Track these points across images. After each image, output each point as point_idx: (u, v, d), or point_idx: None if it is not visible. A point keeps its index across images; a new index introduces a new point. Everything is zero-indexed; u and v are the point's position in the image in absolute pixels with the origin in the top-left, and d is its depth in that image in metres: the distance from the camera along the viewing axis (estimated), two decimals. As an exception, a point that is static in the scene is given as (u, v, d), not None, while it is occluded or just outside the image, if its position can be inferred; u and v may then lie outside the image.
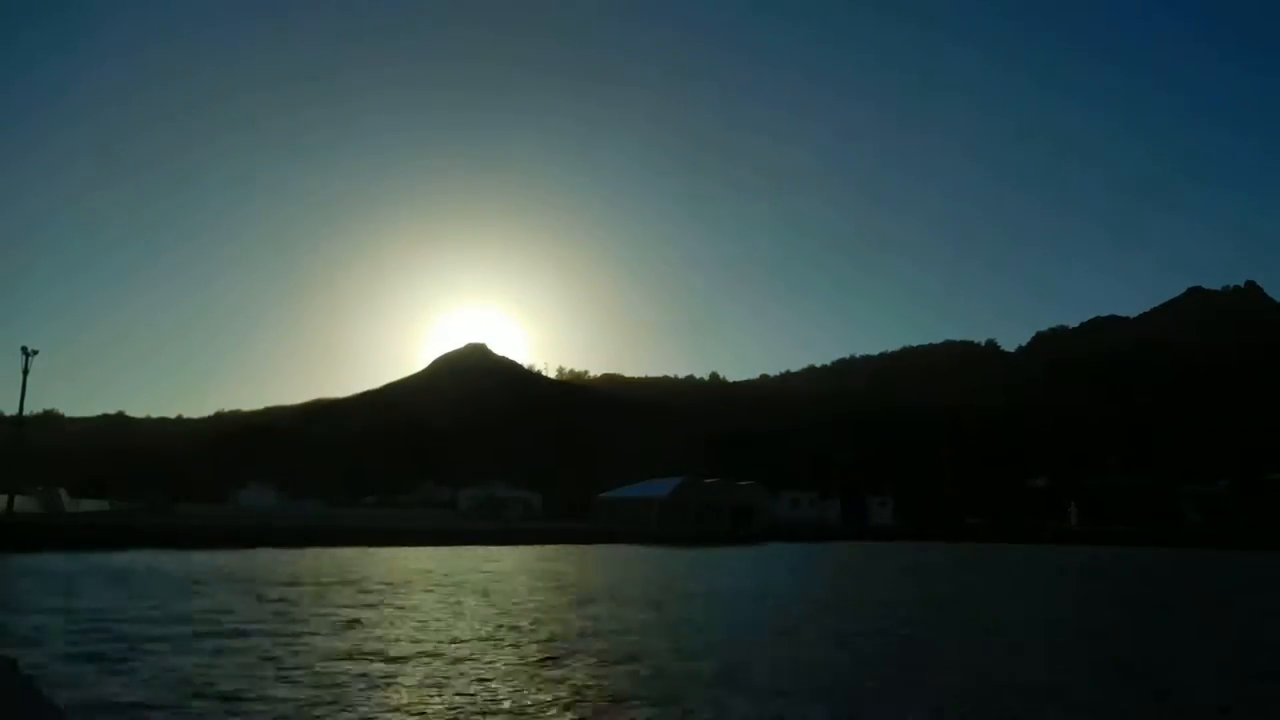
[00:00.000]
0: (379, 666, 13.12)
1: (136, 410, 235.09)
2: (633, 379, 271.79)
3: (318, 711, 10.24)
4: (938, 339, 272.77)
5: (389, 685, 11.82)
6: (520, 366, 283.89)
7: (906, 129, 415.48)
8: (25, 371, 55.04)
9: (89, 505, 73.26)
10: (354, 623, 17.94)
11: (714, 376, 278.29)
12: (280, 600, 21.78)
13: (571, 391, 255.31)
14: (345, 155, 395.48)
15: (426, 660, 13.89)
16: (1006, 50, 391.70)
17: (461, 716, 10.35)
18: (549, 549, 56.93)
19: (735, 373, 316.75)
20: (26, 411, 64.42)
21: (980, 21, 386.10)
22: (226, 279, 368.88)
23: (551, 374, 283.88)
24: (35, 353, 55.32)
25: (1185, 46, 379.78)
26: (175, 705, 10.40)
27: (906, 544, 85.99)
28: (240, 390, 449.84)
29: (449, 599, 23.35)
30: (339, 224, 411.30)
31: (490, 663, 13.92)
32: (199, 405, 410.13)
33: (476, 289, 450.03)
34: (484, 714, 10.50)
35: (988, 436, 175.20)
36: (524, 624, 18.56)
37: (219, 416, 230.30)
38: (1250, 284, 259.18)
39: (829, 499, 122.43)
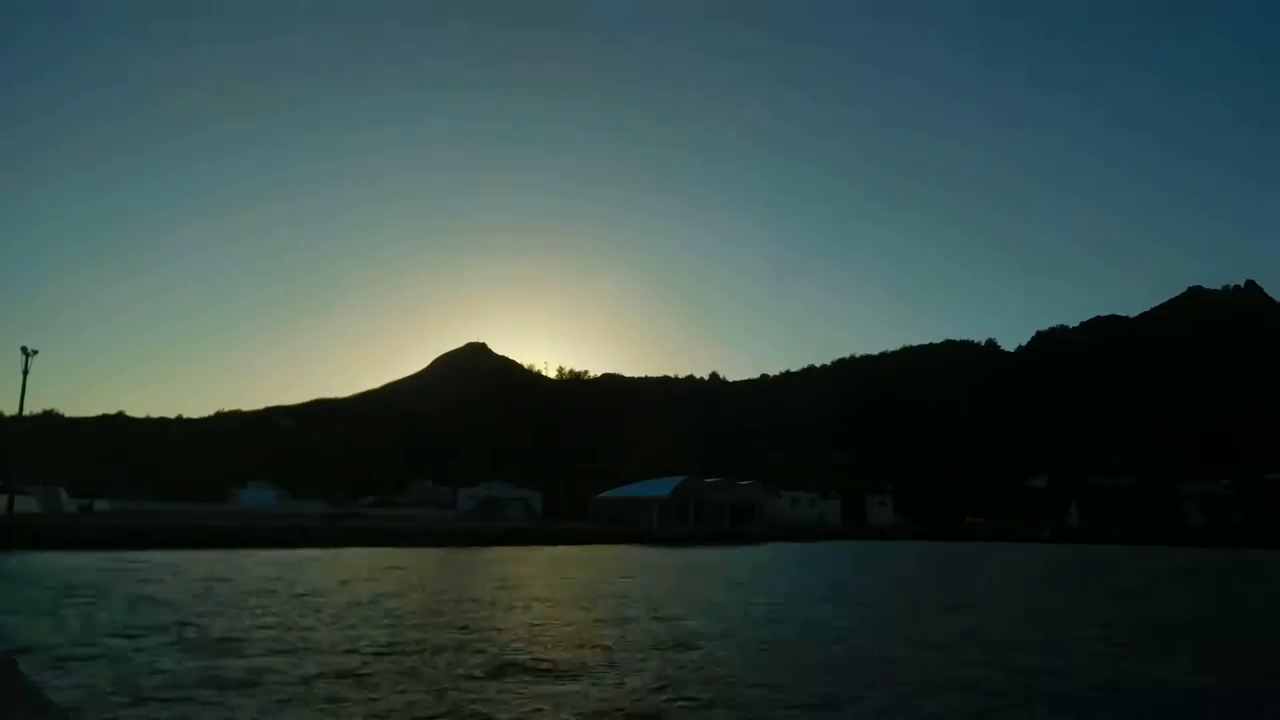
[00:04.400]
0: None
1: (136, 410, 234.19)
2: (633, 379, 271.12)
3: None
4: (938, 339, 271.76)
5: None
6: (520, 366, 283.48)
7: (905, 127, 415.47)
8: (25, 371, 55.05)
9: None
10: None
11: (714, 376, 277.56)
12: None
13: (571, 391, 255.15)
14: (345, 154, 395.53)
15: None
16: (1006, 46, 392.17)
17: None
18: (561, 549, 56.76)
19: (735, 373, 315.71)
20: (26, 411, 64.43)
21: (978, 17, 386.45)
22: (227, 279, 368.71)
23: (551, 374, 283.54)
24: (35, 353, 55.30)
25: (1185, 43, 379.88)
26: None
27: (938, 543, 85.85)
28: (240, 390, 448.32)
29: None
30: (339, 223, 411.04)
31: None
32: (199, 405, 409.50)
33: (476, 288, 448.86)
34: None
35: (988, 436, 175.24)
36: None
37: (219, 416, 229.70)
38: (1250, 284, 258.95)
39: (829, 498, 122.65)
